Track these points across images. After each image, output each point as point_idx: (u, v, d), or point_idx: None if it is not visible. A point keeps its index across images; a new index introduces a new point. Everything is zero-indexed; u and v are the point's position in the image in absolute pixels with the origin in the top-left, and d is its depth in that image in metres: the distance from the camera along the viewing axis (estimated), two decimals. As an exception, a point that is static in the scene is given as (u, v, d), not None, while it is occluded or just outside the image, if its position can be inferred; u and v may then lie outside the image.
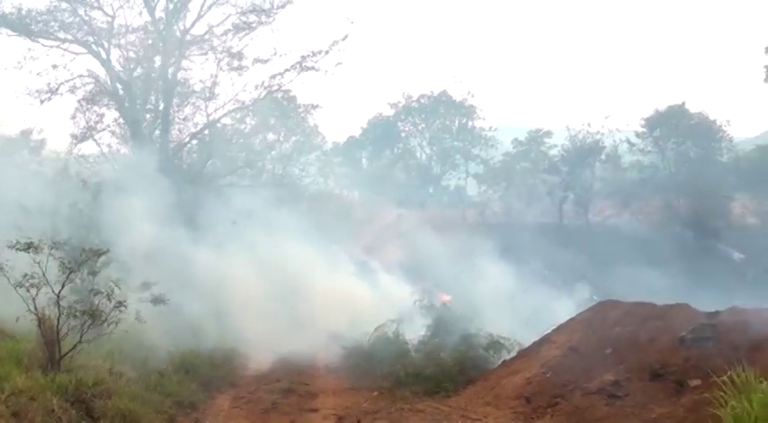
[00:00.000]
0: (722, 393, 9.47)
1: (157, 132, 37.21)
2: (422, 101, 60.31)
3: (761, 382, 9.25)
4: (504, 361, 17.74)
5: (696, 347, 13.37)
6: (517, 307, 26.52)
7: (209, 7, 36.46)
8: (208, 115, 39.10)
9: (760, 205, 49.61)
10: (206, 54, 37.74)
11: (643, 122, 53.91)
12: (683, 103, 54.34)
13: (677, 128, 53.09)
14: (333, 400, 15.13)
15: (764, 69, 63.80)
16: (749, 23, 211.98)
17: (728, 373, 9.73)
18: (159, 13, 36.33)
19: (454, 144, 60.23)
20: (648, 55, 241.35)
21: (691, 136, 52.82)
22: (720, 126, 53.51)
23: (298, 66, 37.98)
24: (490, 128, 59.81)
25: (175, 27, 36.46)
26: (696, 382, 11.95)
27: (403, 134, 61.75)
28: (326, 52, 37.88)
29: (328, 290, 23.52)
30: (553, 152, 56.36)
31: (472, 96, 59.35)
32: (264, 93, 38.75)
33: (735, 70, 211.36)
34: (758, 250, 44.23)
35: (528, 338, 18.87)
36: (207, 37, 37.19)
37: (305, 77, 38.50)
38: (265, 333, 21.02)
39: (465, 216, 54.64)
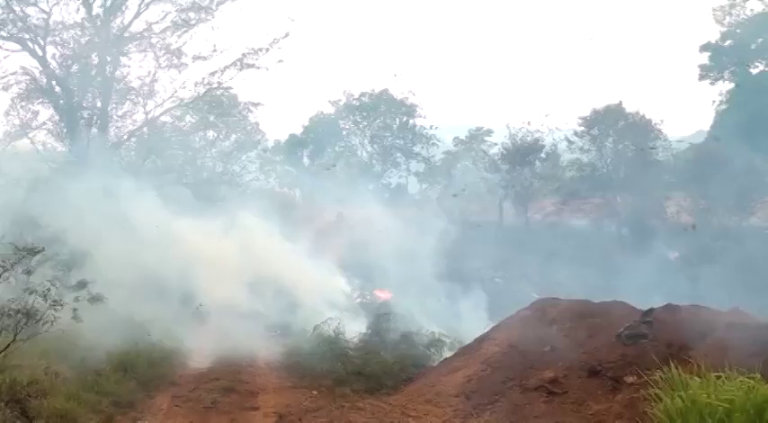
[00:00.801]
0: (656, 390, 9.63)
1: (95, 130, 36.67)
2: (363, 99, 60.27)
3: (692, 378, 9.42)
4: (444, 358, 17.85)
5: (632, 344, 13.60)
6: (457, 304, 26.72)
7: (148, 4, 36.12)
8: (147, 113, 38.75)
9: (694, 203, 50.45)
10: (145, 51, 37.37)
11: (582, 121, 54.51)
12: (620, 103, 55.11)
13: (615, 127, 53.77)
14: (273, 399, 15.08)
15: (698, 69, 65.37)
16: (684, 23, 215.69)
17: (662, 370, 9.91)
18: (97, 10, 35.86)
19: (395, 142, 60.25)
20: (587, 54, 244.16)
21: (628, 135, 53.52)
22: (656, 125, 54.38)
23: (238, 63, 37.89)
24: (431, 126, 59.97)
25: (113, 24, 36.00)
26: (632, 378, 12.15)
27: (344, 132, 61.67)
28: (267, 50, 37.85)
29: (270, 288, 23.45)
30: (494, 150, 56.66)
31: (413, 95, 59.47)
32: (204, 90, 38.52)
33: (669, 70, 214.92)
34: (692, 248, 45.02)
35: (468, 336, 19.00)
36: (145, 34, 36.84)
37: (246, 75, 38.40)
38: (206, 331, 20.90)
39: (406, 214, 54.73)
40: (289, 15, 51.67)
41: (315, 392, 15.56)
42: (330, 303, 23.28)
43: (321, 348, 18.43)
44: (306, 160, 62.29)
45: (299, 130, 62.86)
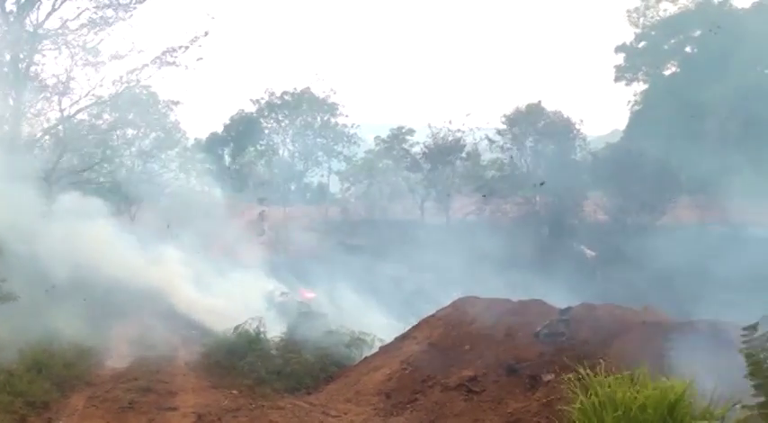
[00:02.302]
0: (572, 388, 9.79)
1: (6, 128, 35.75)
2: (285, 97, 59.99)
3: (607, 376, 9.60)
4: (365, 357, 17.91)
5: (550, 343, 13.82)
6: (378, 303, 26.83)
7: (63, 1, 35.32)
8: (62, 111, 37.86)
9: (611, 202, 51.42)
10: (60, 49, 36.58)
11: (503, 120, 55.13)
12: (540, 102, 55.94)
13: (535, 126, 54.49)
14: (193, 399, 14.93)
15: (614, 69, 66.75)
16: (602, 24, 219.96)
17: (578, 369, 10.08)
18: (10, 6, 34.92)
19: (317, 141, 60.15)
20: (508, 54, 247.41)
21: (547, 134, 54.31)
22: (574, 124, 55.30)
23: (157, 61, 37.33)
24: (353, 125, 60.06)
25: (27, 20, 35.12)
26: (550, 376, 12.33)
27: (266, 131, 61.30)
28: (187, 48, 37.38)
29: (189, 287, 23.22)
30: (415, 149, 56.90)
31: (335, 93, 59.45)
32: (123, 88, 37.88)
33: (588, 70, 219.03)
34: (609, 247, 45.94)
35: (389, 335, 19.09)
36: (61, 31, 36.03)
37: (165, 73, 37.87)
38: (123, 331, 20.61)
39: (328, 213, 54.74)
40: (209, 13, 51.03)
41: (235, 392, 15.46)
42: (251, 302, 23.13)
43: (241, 348, 18.33)
44: (227, 158, 61.77)
45: (220, 129, 62.39)
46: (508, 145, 55.19)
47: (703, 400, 9.01)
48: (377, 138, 60.22)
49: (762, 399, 7.64)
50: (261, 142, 61.23)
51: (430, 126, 55.19)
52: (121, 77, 37.44)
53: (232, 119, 62.04)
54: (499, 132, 55.16)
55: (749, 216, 51.75)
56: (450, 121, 55.15)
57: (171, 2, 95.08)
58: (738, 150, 49.82)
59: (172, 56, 37.37)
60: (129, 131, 48.99)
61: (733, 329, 13.81)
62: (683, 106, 54.16)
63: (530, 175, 53.58)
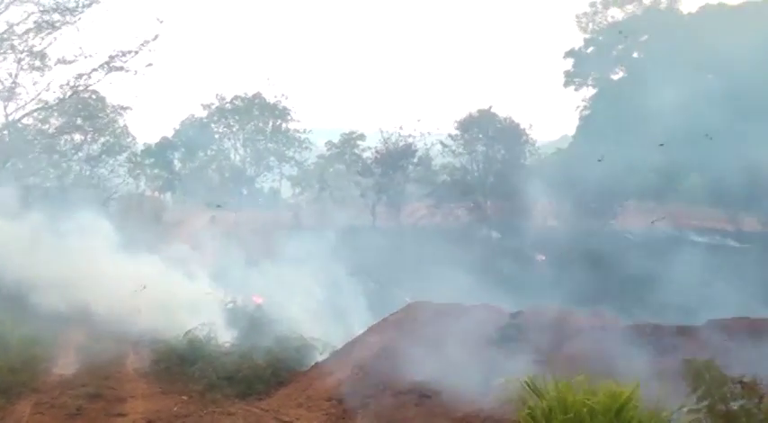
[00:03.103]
0: (522, 392, 9.88)
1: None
2: (235, 102, 59.73)
3: (557, 380, 9.71)
4: (317, 362, 17.89)
5: (501, 346, 13.93)
6: (330, 308, 26.78)
7: (8, 5, 34.86)
8: (7, 115, 37.37)
9: (559, 207, 51.93)
10: (5, 53, 36.08)
11: (455, 125, 55.42)
12: (491, 108, 56.35)
13: (486, 131, 54.84)
14: (142, 405, 14.79)
15: (564, 74, 67.41)
16: (551, 30, 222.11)
17: (528, 373, 10.18)
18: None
19: (268, 146, 60.01)
20: (459, 59, 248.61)
21: (498, 139, 54.69)
22: (525, 130, 55.79)
23: (106, 66, 37.00)
24: (304, 130, 60.03)
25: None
26: (501, 380, 12.41)
27: (216, 136, 60.94)
28: (136, 52, 37.12)
29: (138, 292, 22.94)
30: (367, 154, 57.01)
31: (286, 98, 59.37)
32: (70, 93, 37.47)
33: (537, 76, 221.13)
34: (558, 252, 46.41)
35: (341, 339, 19.09)
36: (6, 36, 35.56)
37: (114, 78, 37.54)
38: (71, 337, 20.34)
39: (279, 218, 54.54)
40: (158, 18, 50.48)
41: (185, 398, 15.34)
42: (202, 308, 22.94)
43: (192, 353, 18.19)
44: (177, 163, 61.28)
45: (170, 134, 61.88)
46: (460, 150, 55.49)
47: (650, 404, 9.17)
48: (328, 143, 60.22)
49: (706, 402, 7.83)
50: (212, 147, 60.87)
51: (381, 131, 55.41)
52: (69, 82, 37.05)
53: (182, 124, 61.61)
54: (451, 137, 55.43)
55: (694, 221, 52.71)
56: (401, 127, 55.47)
57: (120, 7, 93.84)
58: (684, 155, 50.61)
59: (120, 60, 37.08)
60: (77, 136, 48.48)
61: (677, 333, 14.12)
62: (630, 111, 54.87)
63: (481, 180, 53.94)
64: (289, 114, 59.70)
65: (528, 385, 9.93)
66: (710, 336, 13.25)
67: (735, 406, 7.70)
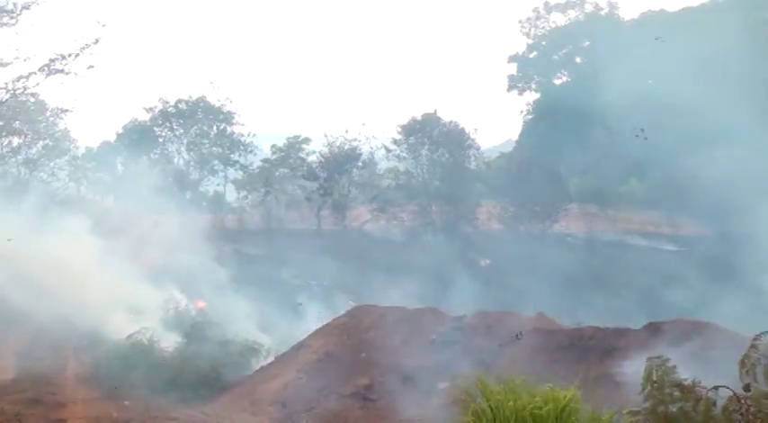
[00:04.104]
0: (466, 395, 9.98)
1: None
2: (179, 106, 59.18)
3: (500, 383, 9.82)
4: (261, 367, 17.86)
5: (445, 350, 14.05)
6: (275, 312, 26.72)
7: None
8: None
9: (504, 211, 52.33)
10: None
11: (399, 129, 55.57)
12: (436, 112, 56.63)
13: (430, 135, 55.07)
14: (82, 410, 14.65)
15: (507, 79, 68.12)
16: (497, 35, 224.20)
17: (472, 376, 10.27)
18: None
19: (213, 149, 59.54)
20: (404, 64, 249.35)
21: (443, 143, 54.94)
22: (469, 134, 56.13)
23: (45, 69, 36.45)
24: (249, 134, 59.72)
25: None
26: (444, 384, 12.56)
27: (160, 139, 60.28)
28: (77, 55, 36.62)
29: (80, 297, 22.66)
30: (312, 158, 56.90)
31: (230, 102, 59.03)
32: (8, 96, 36.85)
33: (483, 80, 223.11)
34: (502, 255, 46.77)
35: (285, 343, 19.09)
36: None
37: (54, 80, 37.02)
38: (10, 341, 20.03)
39: (224, 222, 54.15)
40: (100, 21, 49.64)
41: (127, 403, 15.23)
42: (145, 313, 22.74)
43: (134, 358, 18.04)
44: (119, 167, 60.48)
45: (112, 137, 61.10)
46: (404, 154, 55.67)
47: (590, 406, 9.32)
48: (273, 146, 59.92)
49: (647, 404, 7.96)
50: (155, 151, 60.19)
51: (326, 135, 55.36)
52: (6, 85, 36.41)
53: (125, 127, 60.80)
54: (395, 142, 55.60)
55: (634, 224, 53.52)
56: (346, 131, 55.47)
57: (61, 9, 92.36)
58: (625, 159, 51.48)
59: (61, 63, 36.55)
60: (15, 139, 47.71)
61: (616, 335, 14.36)
62: (573, 115, 55.65)
63: (425, 184, 54.16)
64: (233, 118, 59.37)
65: (471, 388, 10.01)
66: (650, 338, 13.47)
67: (674, 408, 7.85)
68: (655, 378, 8.11)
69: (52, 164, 51.43)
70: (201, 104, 59.04)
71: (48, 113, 47.46)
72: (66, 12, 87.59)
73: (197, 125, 59.40)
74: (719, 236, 45.85)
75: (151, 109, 59.91)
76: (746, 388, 7.27)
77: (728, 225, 45.12)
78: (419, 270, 41.39)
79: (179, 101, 59.33)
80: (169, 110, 59.33)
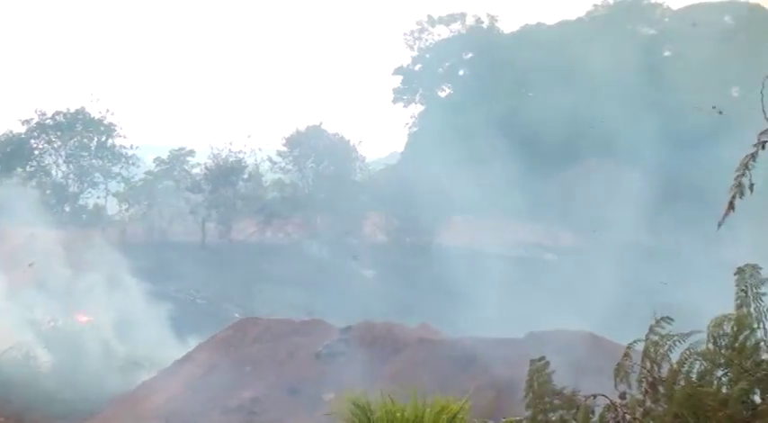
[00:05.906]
0: (352, 407, 9.94)
1: None
2: (57, 118, 57.55)
3: (386, 394, 9.82)
4: (144, 381, 17.56)
5: (331, 362, 14.05)
6: (158, 325, 26.24)
7: None
8: None
9: (389, 222, 52.69)
10: None
11: (284, 141, 55.51)
12: (321, 124, 56.80)
13: (315, 147, 55.17)
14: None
15: (392, 91, 68.66)
16: (381, 47, 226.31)
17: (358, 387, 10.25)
18: None
19: (93, 162, 58.14)
20: (289, 75, 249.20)
21: (328, 155, 55.12)
22: (354, 146, 56.44)
23: None
24: (131, 146, 58.57)
25: None
26: (330, 395, 12.54)
27: (36, 152, 58.48)
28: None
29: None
30: (196, 170, 56.27)
31: (111, 114, 57.78)
32: None
33: (368, 92, 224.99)
34: (387, 266, 47.08)
35: (169, 357, 18.80)
36: None
37: None
38: None
39: (105, 235, 52.87)
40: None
41: (2, 419, 14.67)
42: (19, 329, 21.98)
43: (7, 374, 17.43)
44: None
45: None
46: (289, 166, 55.61)
47: (474, 416, 9.39)
48: (157, 159, 58.98)
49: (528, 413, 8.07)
50: (31, 163, 58.38)
51: (211, 147, 54.88)
52: None
53: (-1, 140, 58.83)
54: (280, 154, 55.51)
55: (515, 235, 54.54)
56: (231, 143, 55.12)
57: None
58: (506, 170, 52.46)
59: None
60: None
61: (499, 345, 14.60)
62: (456, 128, 56.45)
63: (311, 196, 54.18)
64: (115, 130, 58.12)
65: (355, 401, 9.99)
66: (530, 347, 13.72)
67: (554, 416, 7.96)
68: (536, 386, 8.20)
69: None
70: (81, 116, 57.58)
71: None
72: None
73: (76, 137, 57.88)
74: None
75: (27, 121, 58.06)
76: (622, 396, 7.44)
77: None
78: (305, 282, 41.32)
79: (57, 113, 57.69)
80: (47, 122, 57.62)
